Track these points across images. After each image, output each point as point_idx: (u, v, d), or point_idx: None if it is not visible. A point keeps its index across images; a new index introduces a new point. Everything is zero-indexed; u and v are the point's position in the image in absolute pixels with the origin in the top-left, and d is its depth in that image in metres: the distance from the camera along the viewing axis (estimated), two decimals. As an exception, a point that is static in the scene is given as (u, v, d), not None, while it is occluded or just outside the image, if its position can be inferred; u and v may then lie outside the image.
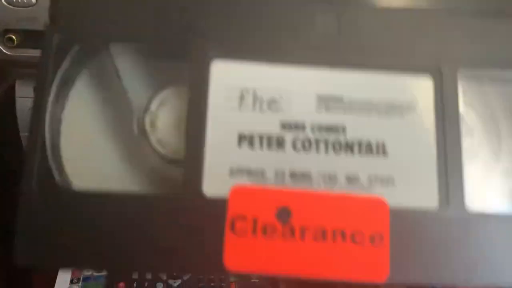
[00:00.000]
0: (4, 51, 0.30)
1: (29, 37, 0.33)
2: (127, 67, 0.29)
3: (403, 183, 0.28)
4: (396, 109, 0.29)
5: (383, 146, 0.28)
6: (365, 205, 0.27)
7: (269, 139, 0.27)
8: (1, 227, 0.38)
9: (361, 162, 0.28)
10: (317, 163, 0.27)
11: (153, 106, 0.29)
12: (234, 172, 0.27)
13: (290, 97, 0.28)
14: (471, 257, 0.27)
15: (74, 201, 0.25)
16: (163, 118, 0.29)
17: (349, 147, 0.28)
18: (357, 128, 0.28)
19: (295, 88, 0.28)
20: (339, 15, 0.29)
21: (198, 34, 0.28)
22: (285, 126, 0.28)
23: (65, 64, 0.27)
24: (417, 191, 0.28)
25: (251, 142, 0.27)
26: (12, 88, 0.39)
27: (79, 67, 0.28)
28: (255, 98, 0.28)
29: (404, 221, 0.27)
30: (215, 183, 0.27)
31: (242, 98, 0.28)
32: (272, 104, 0.28)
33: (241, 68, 0.28)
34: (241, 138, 0.27)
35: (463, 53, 0.29)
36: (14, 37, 0.32)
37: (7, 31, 0.31)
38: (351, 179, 0.27)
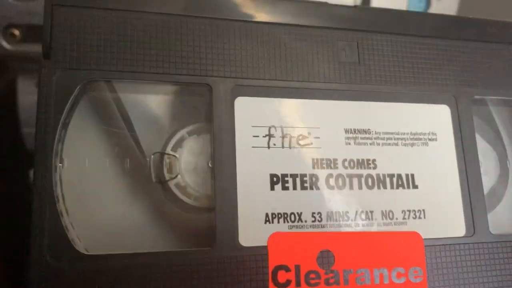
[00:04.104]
0: (6, 46, 0.27)
1: (32, 32, 0.31)
2: (136, 107, 0.25)
3: (433, 215, 0.27)
4: (420, 139, 0.28)
5: (413, 178, 0.28)
6: (402, 241, 0.26)
7: (303, 178, 0.26)
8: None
9: (394, 196, 0.27)
10: (353, 200, 0.26)
11: (169, 148, 0.26)
12: (270, 217, 0.25)
13: (319, 132, 0.27)
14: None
15: (92, 267, 0.22)
16: (182, 161, 0.26)
17: (381, 181, 0.27)
18: (387, 160, 0.27)
19: (322, 122, 0.27)
20: (359, 44, 0.28)
21: (218, 71, 0.25)
22: (317, 163, 0.26)
23: (67, 108, 0.23)
24: (446, 222, 0.28)
25: (284, 183, 0.25)
26: (14, 83, 0.37)
27: (78, 108, 0.24)
28: (284, 135, 0.26)
29: (436, 252, 0.27)
30: (251, 232, 0.24)
31: (270, 135, 0.26)
32: (301, 140, 0.26)
33: (266, 105, 0.26)
34: (273, 179, 0.25)
35: (476, 80, 0.30)
36: (16, 32, 0.29)
37: (9, 26, 0.29)
38: (387, 215, 0.27)
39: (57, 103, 0.23)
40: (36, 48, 0.32)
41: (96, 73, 0.24)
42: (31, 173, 0.41)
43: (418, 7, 0.47)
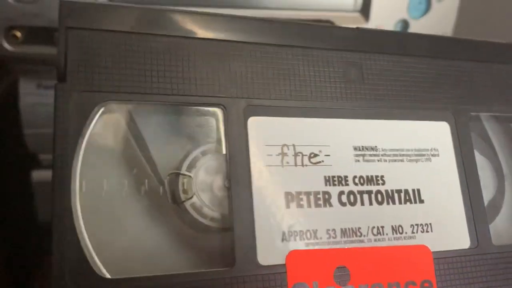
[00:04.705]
0: (8, 48, 0.28)
1: (33, 33, 0.31)
2: (150, 127, 0.25)
3: (439, 228, 0.28)
4: (423, 155, 0.29)
5: (419, 193, 0.28)
6: (412, 254, 0.27)
7: (316, 195, 0.26)
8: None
9: (402, 211, 0.28)
10: (364, 216, 0.27)
11: (184, 168, 0.26)
12: (287, 235, 0.25)
13: (329, 149, 0.27)
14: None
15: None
16: (197, 182, 0.26)
17: (390, 197, 0.28)
18: (394, 176, 0.28)
19: (332, 140, 0.27)
20: (363, 64, 0.29)
21: (231, 91, 0.26)
22: (329, 180, 0.27)
23: (84, 130, 0.23)
24: (451, 235, 0.28)
25: (299, 201, 0.26)
26: (16, 84, 0.38)
27: (94, 131, 0.24)
28: (296, 153, 0.26)
29: (444, 265, 0.28)
30: (269, 250, 0.24)
31: (283, 154, 0.26)
32: (313, 158, 0.27)
33: (278, 124, 0.27)
34: (288, 197, 0.26)
35: (472, 98, 0.31)
36: (18, 33, 0.30)
37: (11, 27, 0.29)
38: (396, 229, 0.27)
39: (74, 126, 0.23)
40: (37, 50, 0.33)
41: (112, 96, 0.24)
42: (32, 173, 0.41)
43: (418, 8, 0.47)
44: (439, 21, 0.47)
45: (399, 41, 0.31)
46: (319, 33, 0.29)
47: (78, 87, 0.23)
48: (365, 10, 0.46)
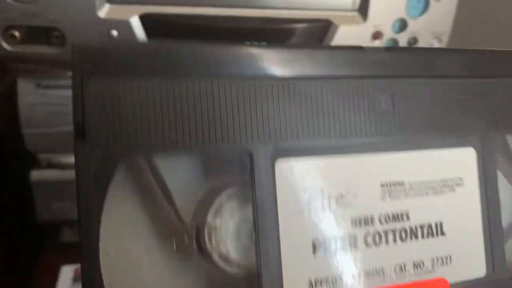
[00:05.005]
0: (7, 47, 0.28)
1: (32, 33, 0.31)
2: (175, 178, 0.24)
3: (458, 259, 0.29)
4: (448, 186, 0.29)
5: (441, 225, 0.28)
6: (432, 289, 0.28)
7: (343, 239, 0.26)
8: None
9: (424, 246, 0.28)
10: (388, 256, 0.27)
11: (210, 217, 0.25)
12: (313, 284, 0.25)
13: (356, 189, 0.27)
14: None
15: None
16: (223, 230, 0.25)
17: (413, 233, 0.28)
18: (419, 211, 0.28)
19: (359, 178, 0.27)
20: (393, 91, 0.28)
21: (258, 135, 0.24)
22: (355, 222, 0.26)
23: (109, 191, 0.22)
24: (469, 265, 0.29)
25: (325, 247, 0.25)
26: (14, 83, 0.38)
27: (118, 188, 0.23)
28: (323, 196, 0.26)
29: (460, 295, 0.28)
30: (296, 300, 0.25)
31: (311, 199, 0.25)
32: (340, 199, 0.26)
33: (305, 165, 0.26)
34: (315, 244, 0.25)
35: (501, 120, 0.30)
36: (16, 33, 0.30)
37: (9, 27, 0.29)
38: (417, 265, 0.28)
39: (98, 187, 0.22)
40: (36, 50, 0.33)
41: (135, 149, 0.22)
42: (32, 173, 0.40)
43: (416, 7, 0.46)
44: (438, 20, 0.47)
45: (429, 61, 0.29)
46: (348, 59, 0.27)
47: (98, 143, 0.22)
48: (363, 9, 0.45)
